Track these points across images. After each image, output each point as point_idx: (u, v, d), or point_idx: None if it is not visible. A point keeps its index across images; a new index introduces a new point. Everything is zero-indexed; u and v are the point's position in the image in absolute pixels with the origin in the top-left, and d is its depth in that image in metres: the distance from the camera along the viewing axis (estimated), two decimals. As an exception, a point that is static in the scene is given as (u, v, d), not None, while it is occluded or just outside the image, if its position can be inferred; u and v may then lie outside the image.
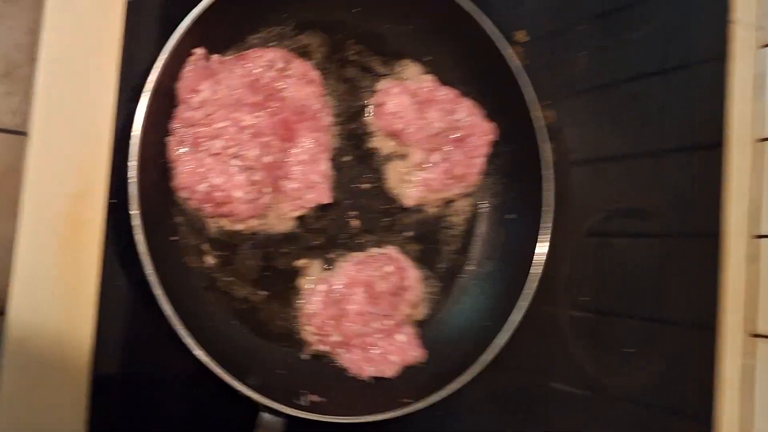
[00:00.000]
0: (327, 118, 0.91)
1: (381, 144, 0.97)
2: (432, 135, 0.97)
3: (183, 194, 0.81)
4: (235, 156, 0.82)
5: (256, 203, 0.84)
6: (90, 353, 0.75)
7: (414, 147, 0.97)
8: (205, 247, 0.84)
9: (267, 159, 0.84)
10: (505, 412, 0.96)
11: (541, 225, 0.98)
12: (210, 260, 0.84)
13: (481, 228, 1.05)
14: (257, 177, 0.83)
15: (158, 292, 0.72)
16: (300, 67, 0.89)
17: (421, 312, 0.99)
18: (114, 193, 0.77)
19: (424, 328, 0.99)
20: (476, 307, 1.01)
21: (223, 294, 0.85)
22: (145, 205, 0.73)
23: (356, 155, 0.96)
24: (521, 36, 1.04)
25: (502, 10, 0.99)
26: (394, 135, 0.96)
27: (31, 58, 0.79)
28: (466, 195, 1.03)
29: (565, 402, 1.05)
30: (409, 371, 0.94)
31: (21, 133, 0.76)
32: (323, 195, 0.89)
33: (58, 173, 0.75)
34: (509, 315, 0.95)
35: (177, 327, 0.73)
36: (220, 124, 0.81)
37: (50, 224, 0.74)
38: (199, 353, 0.74)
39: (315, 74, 0.89)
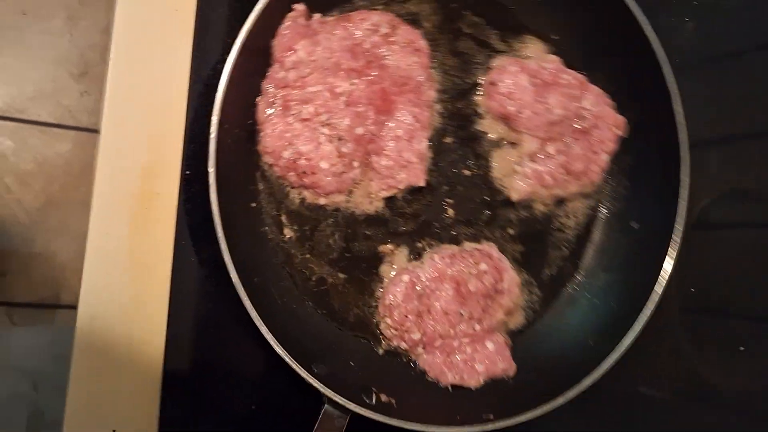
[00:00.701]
0: (430, 93, 0.83)
1: (490, 128, 0.87)
2: (550, 122, 0.85)
3: (267, 159, 0.76)
4: (326, 124, 0.76)
5: (343, 177, 0.77)
6: (163, 341, 0.74)
7: (527, 134, 0.86)
8: (285, 219, 0.78)
9: (359, 131, 0.77)
10: (588, 417, 0.82)
11: (672, 238, 0.84)
12: (288, 233, 0.78)
13: (598, 234, 0.92)
14: (346, 149, 0.76)
15: (227, 258, 0.67)
16: (407, 33, 0.81)
17: (517, 321, 0.88)
18: (188, 167, 0.75)
19: (518, 339, 0.87)
20: (582, 323, 0.88)
21: (298, 272, 0.79)
22: (225, 165, 0.69)
23: (460, 137, 0.86)
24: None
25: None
26: (505, 118, 0.86)
27: (106, 58, 0.77)
28: (584, 195, 0.90)
29: (655, 409, 0.91)
30: (494, 385, 0.83)
31: (98, 131, 0.75)
32: (417, 177, 0.81)
33: (131, 149, 0.74)
34: (622, 337, 0.82)
35: (244, 299, 0.67)
36: (313, 89, 0.75)
37: (122, 202, 0.73)
38: (265, 331, 0.68)
39: (422, 43, 0.81)
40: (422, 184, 0.81)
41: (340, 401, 0.70)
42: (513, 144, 0.88)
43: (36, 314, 1.61)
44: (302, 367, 0.69)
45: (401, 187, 0.81)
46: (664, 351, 0.81)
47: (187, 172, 0.75)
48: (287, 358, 0.68)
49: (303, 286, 0.79)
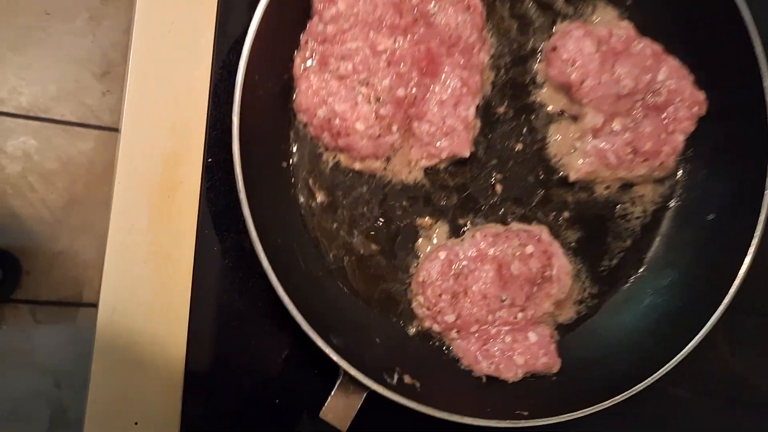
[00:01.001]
0: (482, 56, 0.76)
1: (548, 98, 0.79)
2: (617, 95, 0.76)
3: (301, 118, 0.72)
4: (364, 83, 0.71)
5: (380, 141, 0.72)
6: (185, 334, 0.71)
7: (591, 107, 0.77)
8: (318, 182, 0.74)
9: (400, 92, 0.71)
10: (614, 418, 0.73)
11: (755, 235, 0.73)
12: (320, 198, 0.74)
13: (667, 226, 0.82)
14: (385, 111, 0.71)
15: (246, 212, 0.63)
16: None
17: (567, 314, 0.80)
18: (211, 154, 0.73)
19: (566, 334, 0.80)
20: (641, 323, 0.79)
21: (327, 239, 0.74)
22: (253, 118, 0.65)
23: (514, 107, 0.79)
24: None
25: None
26: (566, 88, 0.78)
27: (128, 55, 0.75)
28: (653, 180, 0.81)
29: (685, 410, 0.82)
30: (534, 380, 0.76)
31: (120, 130, 0.74)
32: (461, 146, 0.74)
33: (152, 138, 0.72)
34: (685, 342, 0.73)
35: (261, 257, 0.63)
36: (353, 44, 0.71)
37: (144, 191, 0.71)
38: (281, 293, 0.64)
39: (476, 1, 0.74)
40: (466, 154, 0.75)
41: (356, 376, 0.65)
42: (574, 118, 0.79)
43: (59, 312, 1.62)
44: (319, 335, 0.64)
45: (443, 156, 0.74)
46: (697, 350, 0.71)
47: (210, 160, 0.72)
48: (303, 324, 0.63)
49: (331, 255, 0.74)
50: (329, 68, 0.71)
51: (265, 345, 0.74)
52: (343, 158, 0.74)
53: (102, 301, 0.70)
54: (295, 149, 0.73)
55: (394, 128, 0.72)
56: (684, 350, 0.72)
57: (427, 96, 0.74)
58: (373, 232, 0.75)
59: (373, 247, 0.75)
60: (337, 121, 0.70)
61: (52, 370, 1.59)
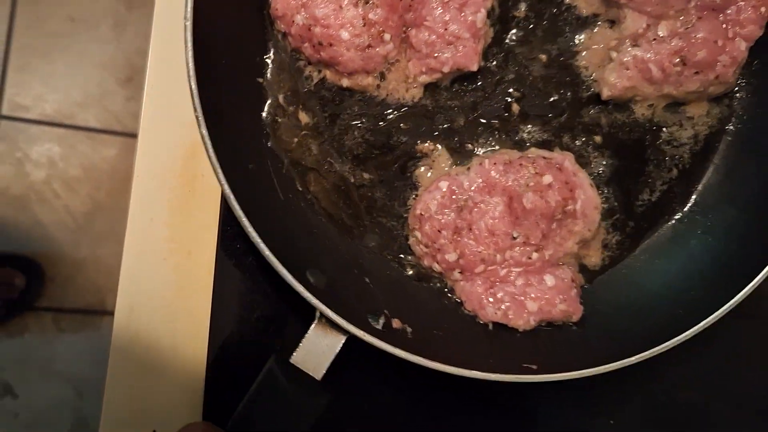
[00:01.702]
0: None
1: (579, -1, 0.66)
2: (665, -7, 0.63)
3: (278, 26, 0.63)
4: None
5: (370, 53, 0.62)
6: (206, 338, 0.68)
7: (631, 8, 0.64)
8: (301, 100, 0.65)
9: None
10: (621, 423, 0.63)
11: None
12: (304, 119, 0.65)
13: (723, 154, 0.69)
14: (375, 16, 0.61)
15: (203, 131, 0.55)
16: None
17: (595, 257, 0.69)
18: None
19: (593, 278, 0.69)
20: (685, 268, 0.67)
21: (312, 166, 0.66)
22: (219, 21, 0.57)
23: (537, 10, 0.66)
24: None
25: None
26: (601, -15, 0.64)
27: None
28: (707, 98, 0.67)
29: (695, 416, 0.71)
30: (550, 330, 0.66)
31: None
32: (468, 59, 0.63)
33: (172, 131, 0.68)
34: (738, 289, 0.60)
35: (222, 182, 0.56)
36: None
37: (163, 185, 0.68)
38: (245, 222, 0.56)
39: None
40: (474, 68, 0.63)
41: (332, 317, 0.57)
42: (611, 22, 0.66)
43: (82, 320, 1.63)
44: (291, 272, 0.56)
45: (446, 70, 0.63)
46: (707, 354, 0.59)
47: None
48: (269, 254, 0.56)
49: (316, 183, 0.66)
50: None
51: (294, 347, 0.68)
52: (328, 73, 0.64)
53: (119, 303, 0.67)
54: (272, 63, 0.65)
55: (387, 37, 0.62)
56: (733, 301, 0.60)
57: None
58: (366, 159, 0.66)
59: (365, 175, 0.66)
60: (318, 28, 0.61)
61: (74, 378, 1.60)
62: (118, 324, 0.67)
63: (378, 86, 0.65)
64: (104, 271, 1.64)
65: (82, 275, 1.64)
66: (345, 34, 0.61)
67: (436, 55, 0.63)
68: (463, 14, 0.63)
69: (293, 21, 0.62)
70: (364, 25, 0.61)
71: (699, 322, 0.60)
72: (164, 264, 0.68)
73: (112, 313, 0.67)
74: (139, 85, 0.66)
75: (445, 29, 0.62)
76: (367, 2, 0.60)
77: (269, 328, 0.69)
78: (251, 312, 0.68)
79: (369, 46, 0.61)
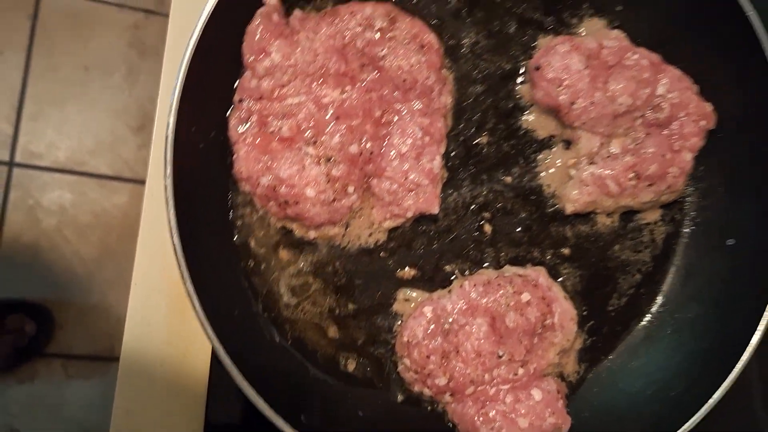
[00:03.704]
0: (444, 99, 0.67)
1: (536, 123, 0.71)
2: (614, 115, 0.68)
3: (243, 187, 0.64)
4: (311, 142, 0.62)
5: (335, 206, 0.63)
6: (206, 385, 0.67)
7: (585, 130, 0.69)
8: (275, 244, 0.66)
9: (353, 149, 0.63)
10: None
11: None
12: (284, 257, 0.66)
13: (682, 255, 0.73)
14: (338, 171, 0.62)
15: (190, 288, 0.55)
16: (409, 26, 0.66)
17: (573, 364, 0.71)
18: None
19: (575, 387, 0.71)
20: (661, 367, 0.70)
21: (295, 301, 0.66)
22: (192, 185, 0.58)
23: (498, 136, 0.70)
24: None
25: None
26: (555, 111, 0.69)
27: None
28: (661, 205, 0.72)
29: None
30: (542, 444, 0.67)
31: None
32: (428, 203, 0.66)
33: None
34: (718, 384, 0.63)
35: (215, 343, 0.55)
36: (294, 99, 0.62)
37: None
38: (236, 374, 0.56)
39: (431, 38, 0.66)
40: (436, 211, 0.66)
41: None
42: (566, 143, 0.71)
43: (91, 367, 1.61)
44: (283, 417, 0.56)
45: (409, 215, 0.66)
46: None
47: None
48: (261, 404, 0.55)
49: (302, 321, 0.66)
50: (269, 129, 0.63)
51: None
52: (295, 227, 0.66)
53: (126, 340, 0.67)
54: (241, 221, 0.65)
55: (351, 189, 0.64)
56: (716, 394, 0.63)
57: (385, 150, 0.65)
58: (348, 290, 0.67)
59: (351, 306, 0.67)
60: (284, 188, 0.62)
61: (83, 425, 1.58)
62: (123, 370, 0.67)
63: (343, 235, 0.66)
64: (114, 318, 1.63)
65: (92, 321, 1.63)
66: (310, 192, 0.62)
67: (399, 203, 0.66)
68: (420, 163, 0.66)
69: (258, 183, 0.63)
70: (328, 182, 0.62)
71: (686, 421, 0.63)
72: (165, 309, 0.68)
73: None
74: (151, 132, 0.67)
75: (406, 178, 0.65)
76: (329, 160, 0.62)
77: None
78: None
79: (334, 200, 0.63)
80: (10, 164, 1.64)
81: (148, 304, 0.67)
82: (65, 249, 1.63)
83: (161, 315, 0.67)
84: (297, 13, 0.64)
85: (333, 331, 0.67)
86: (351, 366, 0.67)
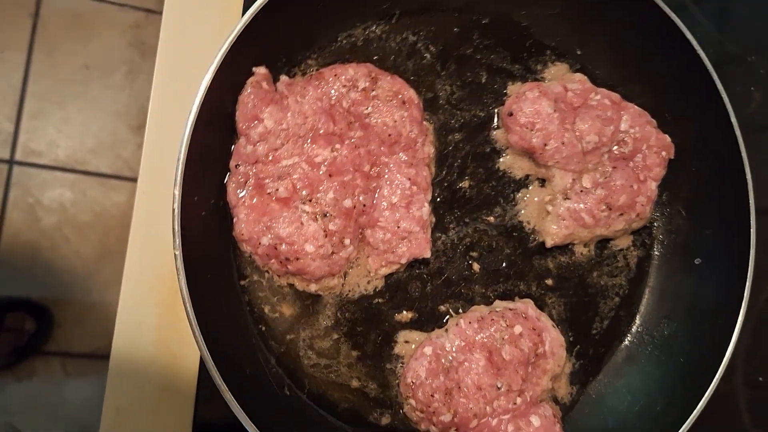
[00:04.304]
0: (427, 148, 0.71)
1: (512, 165, 0.76)
2: (583, 152, 0.73)
3: (244, 248, 0.67)
4: (307, 200, 0.65)
5: (334, 259, 0.66)
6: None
7: (557, 168, 0.74)
8: (279, 299, 0.68)
9: (347, 203, 0.66)
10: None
11: (747, 275, 0.70)
12: (286, 311, 0.68)
13: (654, 276, 0.78)
14: (334, 226, 0.65)
15: (204, 352, 0.57)
16: (390, 85, 0.70)
17: (566, 387, 0.75)
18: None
19: (568, 408, 0.75)
20: (644, 384, 0.75)
21: (302, 352, 0.68)
22: (198, 248, 0.60)
23: (478, 179, 0.75)
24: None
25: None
26: (529, 153, 0.74)
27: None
28: (632, 232, 0.77)
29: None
30: (545, 468, 0.70)
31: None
32: (421, 248, 0.69)
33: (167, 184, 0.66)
34: (696, 400, 0.68)
35: (226, 396, 0.57)
36: (288, 161, 0.65)
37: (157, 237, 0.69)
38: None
39: (410, 94, 0.70)
40: (428, 255, 0.70)
41: None
42: (542, 181, 0.76)
43: (89, 365, 1.61)
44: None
45: (404, 261, 0.69)
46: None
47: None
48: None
49: (309, 368, 0.68)
50: (267, 190, 0.65)
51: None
52: (296, 281, 0.68)
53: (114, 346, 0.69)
54: (246, 281, 0.68)
55: (347, 241, 0.67)
56: (697, 408, 0.68)
57: (376, 201, 0.69)
58: (351, 336, 0.70)
59: (354, 353, 0.69)
60: (284, 246, 0.64)
61: (81, 422, 1.57)
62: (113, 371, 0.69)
63: (343, 285, 0.69)
64: (113, 316, 1.58)
65: (91, 320, 1.62)
66: (310, 247, 0.65)
67: (393, 250, 0.69)
68: (410, 212, 0.69)
69: (259, 243, 0.65)
70: (325, 236, 0.65)
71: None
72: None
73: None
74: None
75: (398, 227, 0.69)
76: (325, 215, 0.65)
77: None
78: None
79: (332, 253, 0.66)
80: (11, 162, 1.64)
81: (138, 303, 0.69)
82: (65, 247, 1.64)
83: (151, 314, 0.69)
84: (284, 78, 0.68)
85: (337, 379, 0.69)
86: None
